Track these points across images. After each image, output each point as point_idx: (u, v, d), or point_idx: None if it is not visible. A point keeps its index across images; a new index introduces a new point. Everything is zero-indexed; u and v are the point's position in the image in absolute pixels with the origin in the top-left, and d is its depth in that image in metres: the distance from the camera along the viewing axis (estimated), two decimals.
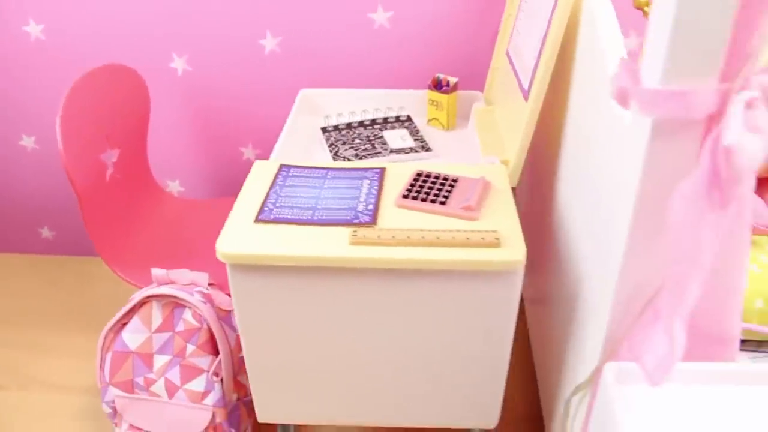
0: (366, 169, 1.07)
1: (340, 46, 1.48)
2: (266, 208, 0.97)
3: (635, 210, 0.68)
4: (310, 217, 0.94)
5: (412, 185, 1.00)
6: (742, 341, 0.98)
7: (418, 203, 0.96)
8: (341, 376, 1.01)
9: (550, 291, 1.19)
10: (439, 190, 0.99)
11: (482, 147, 1.20)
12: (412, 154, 1.24)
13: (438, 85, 1.36)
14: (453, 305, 0.92)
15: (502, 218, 0.94)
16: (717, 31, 0.58)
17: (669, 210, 0.64)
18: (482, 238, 0.88)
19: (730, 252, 0.72)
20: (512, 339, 0.97)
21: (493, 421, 1.06)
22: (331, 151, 1.26)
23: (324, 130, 1.34)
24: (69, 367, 1.56)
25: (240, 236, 0.91)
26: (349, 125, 1.35)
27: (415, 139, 1.30)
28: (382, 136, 1.31)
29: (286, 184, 1.03)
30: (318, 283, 0.91)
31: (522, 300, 1.62)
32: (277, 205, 0.98)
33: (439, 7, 1.42)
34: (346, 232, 0.91)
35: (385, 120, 1.37)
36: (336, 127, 1.35)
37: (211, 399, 1.19)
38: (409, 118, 1.37)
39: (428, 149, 1.27)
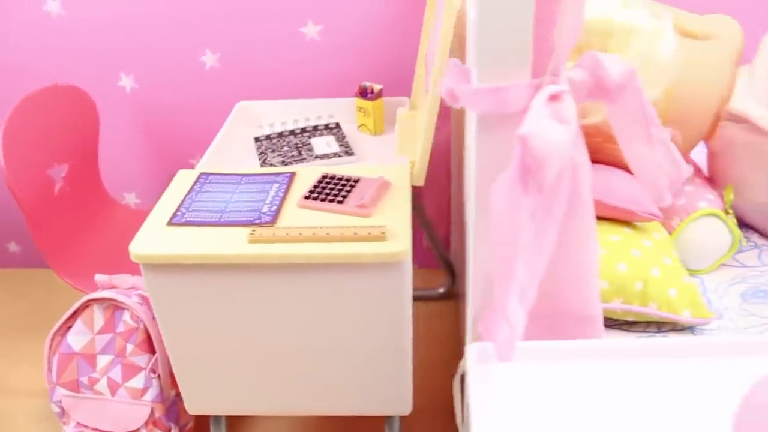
0: (277, 174, 1.14)
1: (274, 60, 1.56)
2: (179, 213, 1.04)
3: (475, 199, 0.75)
4: (217, 219, 1.02)
5: (315, 187, 1.08)
6: (631, 323, 1.04)
7: (317, 203, 1.04)
8: (257, 368, 1.08)
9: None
10: (339, 190, 1.06)
11: (398, 149, 1.27)
12: (335, 159, 1.32)
13: (364, 93, 1.43)
14: (347, 297, 0.99)
15: (395, 214, 1.01)
16: (519, 30, 0.65)
17: (491, 197, 0.71)
18: (369, 233, 0.95)
19: (575, 236, 0.78)
20: (410, 329, 1.03)
21: (406, 409, 1.13)
22: (260, 159, 1.33)
23: (257, 139, 1.42)
24: (30, 373, 1.64)
25: (152, 238, 0.99)
26: (280, 134, 1.43)
27: (341, 145, 1.37)
28: (309, 143, 1.38)
29: (203, 190, 1.11)
30: (222, 279, 0.98)
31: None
32: (190, 209, 1.05)
33: (368, 18, 1.49)
34: (246, 231, 0.98)
35: (315, 128, 1.44)
36: (268, 137, 1.42)
37: (150, 395, 1.26)
38: (337, 125, 1.45)
39: (351, 154, 1.34)
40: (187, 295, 1.01)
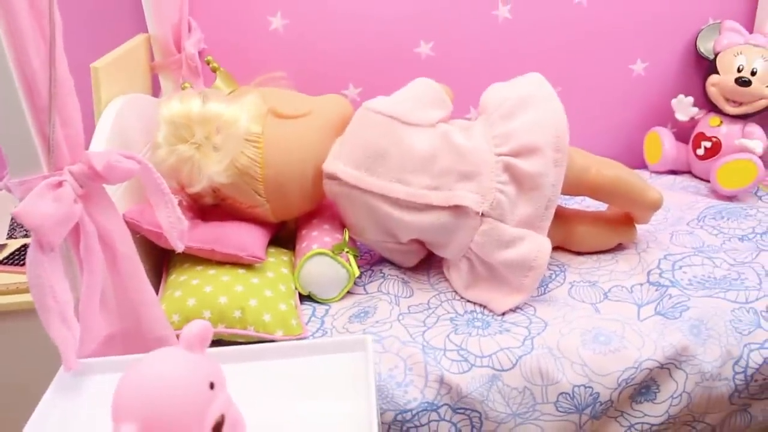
0: None
1: None
2: None
3: None
4: None
5: (13, 254, 1.36)
6: (244, 344, 1.31)
7: (9, 267, 1.32)
8: None
9: None
10: None
11: None
12: None
13: None
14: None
15: None
16: (24, 146, 0.96)
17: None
18: (17, 287, 1.24)
19: (129, 281, 1.08)
20: None
21: None
22: (8, 235, 1.62)
23: (13, 218, 1.70)
24: None
25: None
26: None
27: None
28: None
29: None
30: None
31: None
32: None
33: None
34: None
35: None
36: None
37: None
38: None
39: None
40: None
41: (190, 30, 1.68)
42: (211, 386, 0.76)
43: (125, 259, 1.08)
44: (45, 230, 0.95)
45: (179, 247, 1.08)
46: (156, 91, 1.72)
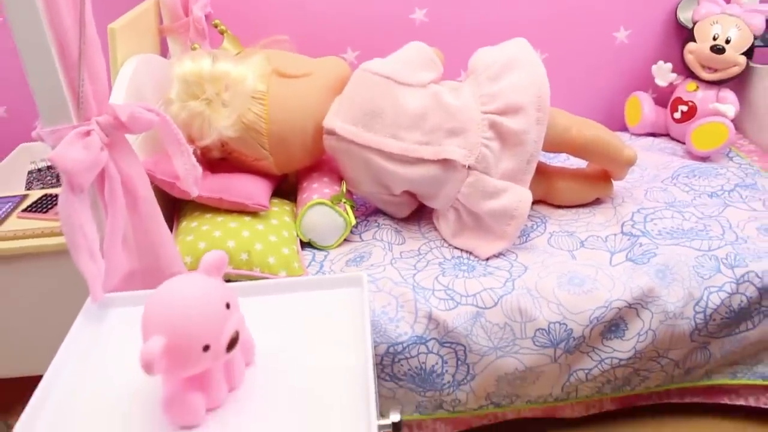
0: (12, 197, 1.54)
1: None
2: None
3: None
4: None
5: (34, 203, 1.48)
6: None
7: (31, 214, 1.44)
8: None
9: None
10: (49, 205, 1.47)
11: None
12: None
13: None
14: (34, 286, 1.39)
15: None
16: (57, 97, 1.07)
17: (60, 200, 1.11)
18: (42, 230, 1.36)
19: (148, 221, 1.20)
20: None
21: None
22: (26, 188, 1.73)
23: (30, 173, 1.81)
24: None
25: None
26: (49, 167, 1.82)
27: None
28: None
29: None
30: None
31: None
32: None
33: None
34: None
35: None
36: (39, 170, 1.82)
37: None
38: None
39: None
40: None
41: None
42: (227, 306, 0.88)
43: (145, 203, 1.19)
44: (76, 174, 1.06)
45: (194, 192, 1.19)
46: (164, 52, 1.82)
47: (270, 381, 0.93)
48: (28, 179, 1.79)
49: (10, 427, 1.51)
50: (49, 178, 1.78)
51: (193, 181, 1.19)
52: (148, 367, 0.78)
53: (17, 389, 1.73)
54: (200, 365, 0.84)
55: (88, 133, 1.09)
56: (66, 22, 1.04)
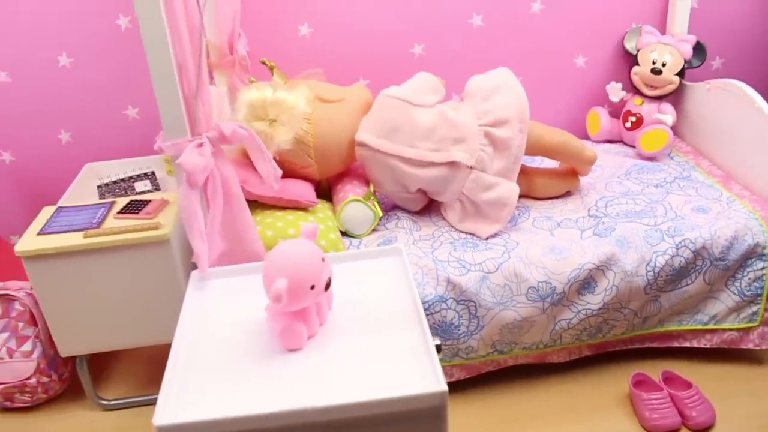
0: (102, 203, 1.91)
1: (105, 136, 2.33)
2: (44, 228, 1.79)
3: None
4: (67, 228, 1.77)
5: (125, 207, 1.85)
6: None
7: (126, 215, 1.81)
8: (107, 313, 1.82)
9: None
10: (138, 207, 1.84)
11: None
12: (149, 194, 2.09)
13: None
14: (134, 272, 1.75)
15: (168, 218, 1.78)
16: (178, 116, 1.46)
17: (180, 193, 1.49)
18: (142, 225, 1.73)
19: (237, 212, 1.58)
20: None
21: None
22: (99, 198, 2.09)
23: (99, 187, 2.18)
24: None
25: (27, 241, 1.73)
26: (114, 182, 2.19)
27: (153, 184, 2.15)
28: (133, 186, 2.15)
29: (59, 215, 1.86)
30: (71, 261, 1.73)
31: None
32: (51, 225, 1.80)
33: None
34: (82, 233, 1.74)
35: (138, 175, 2.21)
36: (106, 184, 2.19)
37: (36, 353, 1.96)
38: (153, 173, 2.22)
39: (159, 189, 2.12)
40: (54, 273, 1.75)
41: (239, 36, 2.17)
42: (323, 260, 1.26)
43: (236, 198, 1.58)
44: (195, 174, 1.44)
45: (275, 187, 1.58)
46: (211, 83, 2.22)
47: (346, 319, 1.24)
48: (99, 192, 2.15)
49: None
50: (117, 190, 2.15)
51: (273, 179, 1.58)
52: (277, 299, 1.13)
53: (104, 363, 2.05)
54: (308, 300, 1.19)
55: (200, 145, 1.47)
56: (182, 57, 1.42)
